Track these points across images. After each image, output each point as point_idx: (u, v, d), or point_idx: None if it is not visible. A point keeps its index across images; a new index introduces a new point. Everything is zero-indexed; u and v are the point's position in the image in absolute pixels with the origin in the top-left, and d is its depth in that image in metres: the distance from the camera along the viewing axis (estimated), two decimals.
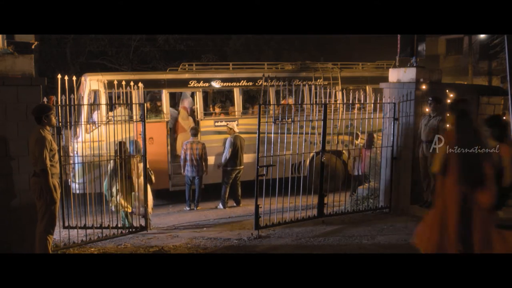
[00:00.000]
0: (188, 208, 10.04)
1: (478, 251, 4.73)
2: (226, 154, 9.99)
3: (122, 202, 7.69)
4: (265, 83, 10.92)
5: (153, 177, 8.14)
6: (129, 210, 7.78)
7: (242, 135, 10.41)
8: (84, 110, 9.54)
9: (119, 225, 7.50)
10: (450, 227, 4.78)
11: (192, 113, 11.35)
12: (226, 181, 10.10)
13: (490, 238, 4.73)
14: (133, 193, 7.74)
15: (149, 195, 7.97)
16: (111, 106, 8.84)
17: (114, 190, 7.76)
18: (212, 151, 10.44)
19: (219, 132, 10.66)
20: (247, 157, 10.54)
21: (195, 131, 10.05)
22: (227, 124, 10.44)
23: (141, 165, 7.81)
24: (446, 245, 4.79)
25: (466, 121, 4.81)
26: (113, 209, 7.82)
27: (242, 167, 10.16)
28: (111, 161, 7.70)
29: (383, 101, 8.79)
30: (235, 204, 10.21)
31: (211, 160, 10.42)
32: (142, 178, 7.75)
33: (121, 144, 7.57)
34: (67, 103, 6.84)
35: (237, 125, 10.62)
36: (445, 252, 4.81)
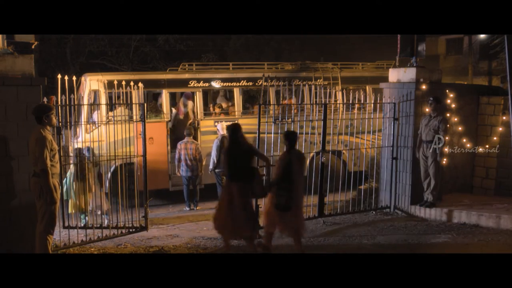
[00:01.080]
0: (187, 209, 10.03)
1: (265, 230, 6.32)
2: (214, 157, 9.80)
3: (77, 203, 7.76)
4: (265, 83, 10.91)
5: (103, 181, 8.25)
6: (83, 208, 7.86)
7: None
8: (84, 110, 9.53)
9: (119, 225, 7.51)
10: (237, 214, 6.12)
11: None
12: (219, 182, 10.02)
13: (273, 219, 6.15)
14: (90, 192, 7.84)
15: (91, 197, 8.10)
16: (111, 106, 8.83)
17: (72, 192, 7.85)
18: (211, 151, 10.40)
19: None
20: None
21: (189, 131, 10.01)
22: (216, 125, 10.38)
23: (96, 169, 8.08)
24: (238, 230, 6.20)
25: (236, 137, 6.25)
26: (69, 210, 7.87)
27: None
28: (71, 166, 7.75)
29: (383, 101, 8.79)
30: None
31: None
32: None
33: (76, 150, 7.77)
34: (67, 103, 6.83)
35: None
36: (239, 235, 6.29)
